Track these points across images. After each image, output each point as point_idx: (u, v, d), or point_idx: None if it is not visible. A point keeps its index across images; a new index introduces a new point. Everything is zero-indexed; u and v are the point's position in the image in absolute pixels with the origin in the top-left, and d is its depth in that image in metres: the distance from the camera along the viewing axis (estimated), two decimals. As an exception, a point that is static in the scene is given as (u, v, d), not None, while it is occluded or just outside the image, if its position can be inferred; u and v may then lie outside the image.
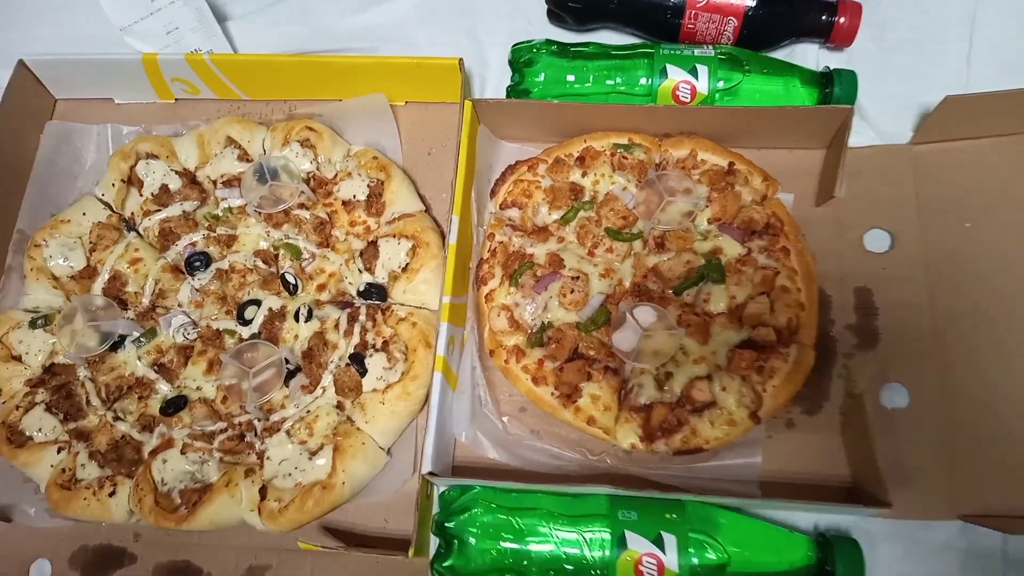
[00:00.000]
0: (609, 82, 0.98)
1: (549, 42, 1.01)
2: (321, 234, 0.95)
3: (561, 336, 0.87)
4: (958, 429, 0.86)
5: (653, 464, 0.85)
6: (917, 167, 0.96)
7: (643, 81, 0.97)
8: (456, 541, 0.79)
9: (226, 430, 0.87)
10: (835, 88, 0.96)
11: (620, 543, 0.77)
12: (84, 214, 0.97)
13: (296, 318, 0.91)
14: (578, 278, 0.89)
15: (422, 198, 0.99)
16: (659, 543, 0.77)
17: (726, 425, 0.83)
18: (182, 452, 0.85)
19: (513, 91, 1.01)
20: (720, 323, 0.87)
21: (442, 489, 0.84)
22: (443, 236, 0.94)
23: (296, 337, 0.91)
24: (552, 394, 0.86)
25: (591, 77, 0.99)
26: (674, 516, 0.78)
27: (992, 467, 0.84)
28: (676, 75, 0.96)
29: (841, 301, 0.92)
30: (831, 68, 0.98)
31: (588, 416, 0.84)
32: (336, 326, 0.90)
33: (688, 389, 0.84)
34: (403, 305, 0.91)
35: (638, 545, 0.77)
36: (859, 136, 0.96)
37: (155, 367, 0.91)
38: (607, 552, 0.77)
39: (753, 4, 0.97)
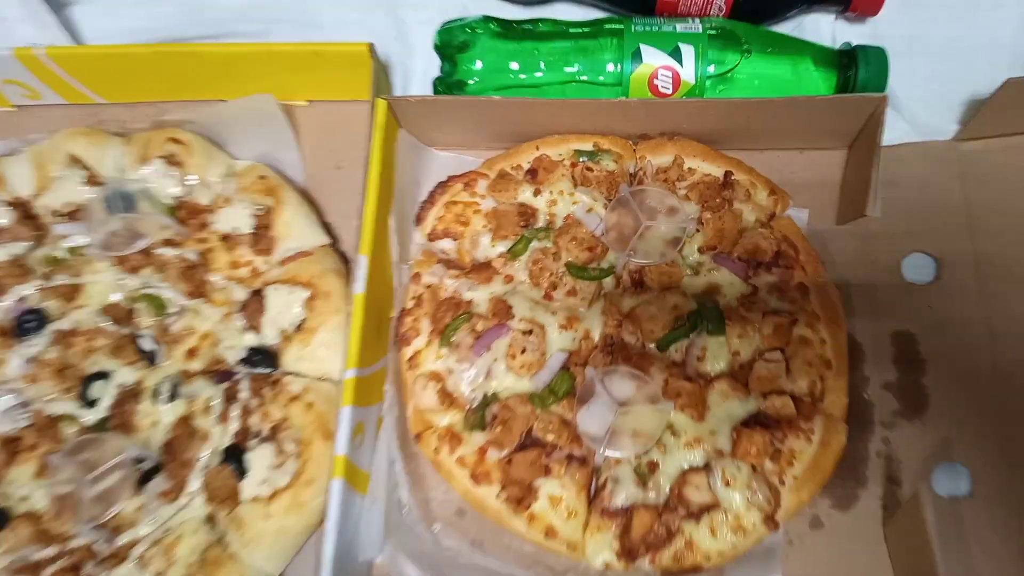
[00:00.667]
0: (567, 70, 0.78)
1: (488, 19, 0.80)
2: (192, 280, 0.73)
3: (509, 414, 0.67)
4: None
5: (635, 588, 0.65)
6: (966, 171, 0.78)
7: (611, 68, 0.78)
8: None
9: (57, 559, 0.65)
10: (859, 70, 0.77)
11: None
12: None
13: (155, 397, 0.70)
14: (531, 332, 0.70)
15: (328, 228, 0.78)
16: None
17: (733, 534, 0.64)
18: (-4, 591, 0.64)
19: (443, 84, 0.80)
20: (720, 390, 0.68)
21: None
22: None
23: (155, 424, 0.70)
24: (498, 496, 0.65)
25: (543, 64, 0.78)
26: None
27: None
28: (653, 59, 0.76)
29: (877, 352, 0.74)
30: (853, 44, 0.79)
31: (546, 526, 0.65)
32: (208, 408, 0.70)
33: (680, 485, 0.65)
34: (298, 376, 0.71)
35: None
36: (890, 132, 0.75)
37: (-31, 470, 0.69)
38: None
39: (752, -37, 0.77)
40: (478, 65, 0.78)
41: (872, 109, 0.72)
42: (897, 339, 0.73)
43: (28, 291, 0.74)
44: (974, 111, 0.76)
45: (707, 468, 0.65)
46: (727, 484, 0.64)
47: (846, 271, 0.75)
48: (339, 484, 0.62)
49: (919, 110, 0.80)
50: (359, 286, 0.67)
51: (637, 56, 0.76)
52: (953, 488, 0.68)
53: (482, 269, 0.73)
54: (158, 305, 0.73)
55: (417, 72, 0.85)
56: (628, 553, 0.64)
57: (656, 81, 0.76)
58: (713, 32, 0.76)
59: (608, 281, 0.73)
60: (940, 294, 0.74)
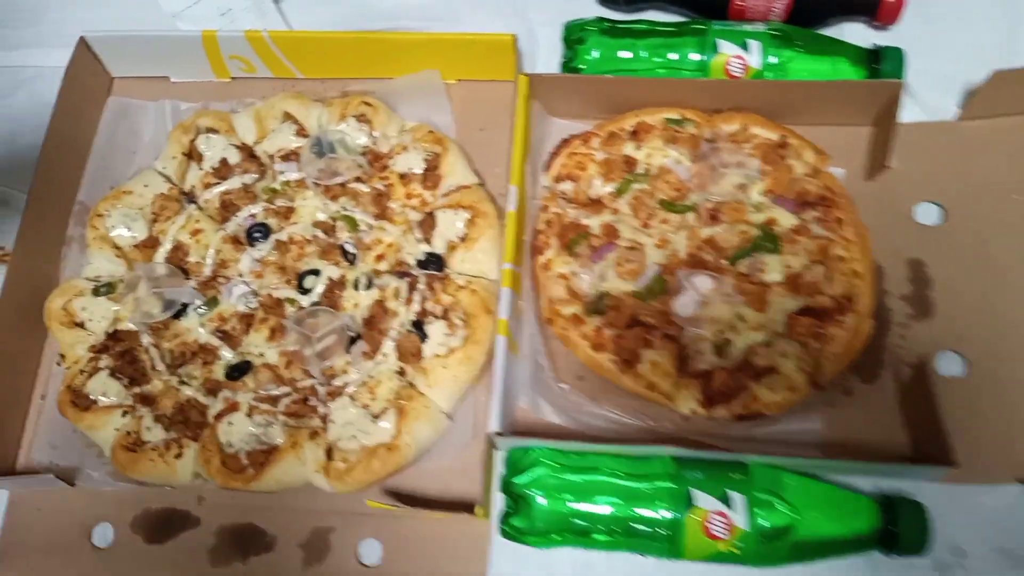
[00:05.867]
0: (660, 59, 1.00)
1: (600, 19, 1.03)
2: (378, 206, 0.96)
3: (619, 303, 0.88)
4: (1016, 396, 0.86)
5: (713, 430, 0.85)
6: (965, 143, 0.97)
7: (694, 57, 0.99)
8: (523, 500, 0.80)
9: (290, 394, 0.87)
10: (883, 65, 0.97)
11: (687, 502, 0.78)
12: (146, 186, 0.98)
13: (356, 287, 0.92)
14: (634, 248, 0.90)
15: (476, 173, 1.00)
16: (726, 501, 0.77)
17: (786, 391, 0.83)
18: (247, 415, 0.86)
19: (565, 68, 1.02)
20: (777, 292, 0.87)
21: (506, 449, 0.85)
22: (498, 208, 0.95)
23: (356, 305, 0.91)
24: (612, 360, 0.86)
25: (642, 54, 1.00)
26: (739, 476, 0.79)
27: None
28: (728, 49, 0.98)
29: (895, 273, 0.92)
30: (878, 46, 0.99)
31: (648, 381, 0.85)
32: (396, 294, 0.91)
33: (748, 355, 0.84)
34: (461, 275, 0.92)
35: (706, 503, 0.77)
36: (906, 113, 0.95)
37: (218, 334, 0.92)
38: (674, 510, 0.77)
39: (802, -20, 0.99)
40: (593, 54, 1.00)
41: (892, 92, 0.91)
42: (911, 264, 0.91)
43: (256, 210, 0.97)
44: (972, 97, 0.96)
45: (768, 344, 0.84)
46: (783, 355, 0.83)
47: (872, 215, 0.91)
48: (503, 340, 0.83)
49: (929, 97, 0.99)
50: (512, 206, 0.88)
51: (714, 48, 0.98)
52: (952, 370, 0.87)
53: (595, 204, 0.94)
54: (352, 224, 0.95)
55: (541, 61, 1.08)
56: (709, 402, 0.83)
57: (729, 67, 0.98)
58: (774, 32, 0.98)
59: (691, 215, 0.91)
60: (945, 232, 0.93)
